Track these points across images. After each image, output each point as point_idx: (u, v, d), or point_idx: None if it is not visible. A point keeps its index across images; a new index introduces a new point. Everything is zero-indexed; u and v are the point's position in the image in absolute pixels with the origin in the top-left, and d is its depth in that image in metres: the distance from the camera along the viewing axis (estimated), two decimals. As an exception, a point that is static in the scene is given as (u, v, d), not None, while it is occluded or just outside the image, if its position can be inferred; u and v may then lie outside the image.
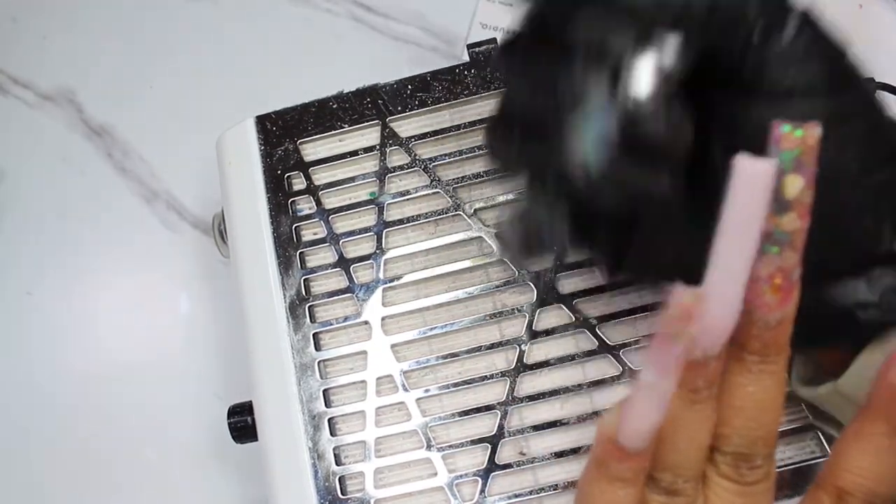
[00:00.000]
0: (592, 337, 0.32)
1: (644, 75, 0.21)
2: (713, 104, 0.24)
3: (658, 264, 0.27)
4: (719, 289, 0.20)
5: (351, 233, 0.35)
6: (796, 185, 0.19)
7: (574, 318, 0.32)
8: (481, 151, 0.35)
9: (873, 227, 0.24)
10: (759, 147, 0.19)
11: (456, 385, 0.32)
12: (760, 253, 0.20)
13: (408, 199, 0.35)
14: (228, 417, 0.34)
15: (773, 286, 0.21)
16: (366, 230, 0.35)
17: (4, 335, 0.46)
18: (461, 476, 0.32)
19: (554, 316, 0.33)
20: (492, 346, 0.33)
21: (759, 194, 0.19)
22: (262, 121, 0.36)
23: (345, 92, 0.36)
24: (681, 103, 0.22)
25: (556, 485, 0.31)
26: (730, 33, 0.23)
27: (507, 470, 0.32)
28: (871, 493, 0.22)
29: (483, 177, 0.34)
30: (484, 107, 0.36)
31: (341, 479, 0.32)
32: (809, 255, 0.21)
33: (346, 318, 0.34)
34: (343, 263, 0.34)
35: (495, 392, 0.32)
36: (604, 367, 0.32)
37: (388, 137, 0.35)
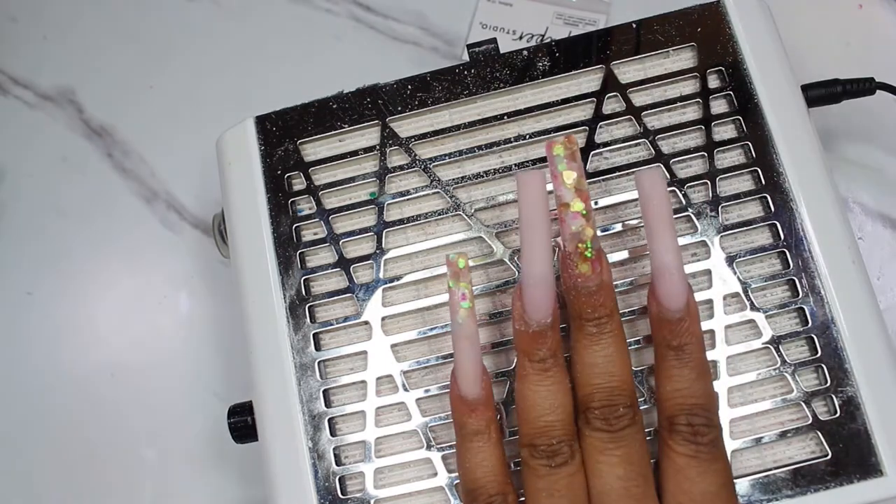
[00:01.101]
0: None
1: None
2: None
3: None
4: (531, 271, 0.27)
5: (351, 233, 0.35)
6: (571, 176, 0.27)
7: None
8: (481, 151, 0.35)
9: None
10: None
11: (456, 385, 0.32)
12: (565, 234, 0.28)
13: (408, 199, 0.35)
14: (228, 417, 0.34)
15: (583, 258, 0.27)
16: (366, 230, 0.35)
17: (4, 335, 0.46)
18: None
19: (554, 316, 0.33)
20: (492, 346, 0.33)
21: (537, 192, 0.28)
22: (262, 121, 0.36)
23: (345, 92, 0.36)
24: None
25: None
26: None
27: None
28: (684, 407, 0.28)
29: (483, 177, 0.34)
30: (484, 107, 0.36)
31: (341, 480, 0.32)
32: None
33: (346, 318, 0.34)
34: (343, 263, 0.34)
35: (495, 392, 0.32)
36: (604, 367, 0.32)
37: (388, 137, 0.35)
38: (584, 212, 0.27)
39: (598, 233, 0.31)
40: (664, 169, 0.33)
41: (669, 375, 0.28)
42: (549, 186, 0.29)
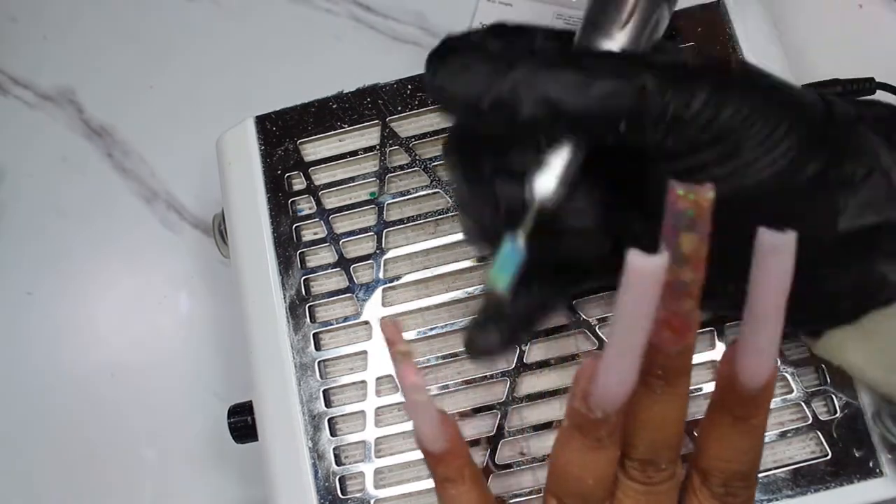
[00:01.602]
0: (592, 337, 0.32)
1: (543, 183, 0.24)
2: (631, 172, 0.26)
3: None
4: (615, 364, 0.22)
5: (351, 233, 0.35)
6: (691, 242, 0.21)
7: (574, 318, 0.32)
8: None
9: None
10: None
11: (456, 385, 0.32)
12: (662, 300, 0.22)
13: (408, 199, 0.35)
14: (228, 417, 0.34)
15: (672, 327, 0.23)
16: (366, 230, 0.35)
17: (4, 335, 0.46)
18: (461, 476, 0.32)
19: (554, 316, 0.33)
20: (492, 346, 0.33)
21: (650, 287, 0.20)
22: (262, 121, 0.36)
23: (345, 92, 0.36)
24: (586, 189, 0.25)
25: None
26: (636, 125, 0.23)
27: (507, 470, 0.32)
28: (726, 472, 0.25)
29: (483, 177, 0.34)
30: (484, 107, 0.35)
31: (341, 480, 0.32)
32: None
33: (346, 318, 0.34)
34: (343, 263, 0.34)
35: (495, 392, 0.32)
36: (604, 367, 0.32)
37: (389, 137, 0.35)
38: (692, 282, 0.22)
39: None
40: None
41: (718, 439, 0.25)
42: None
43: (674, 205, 0.21)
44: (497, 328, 0.26)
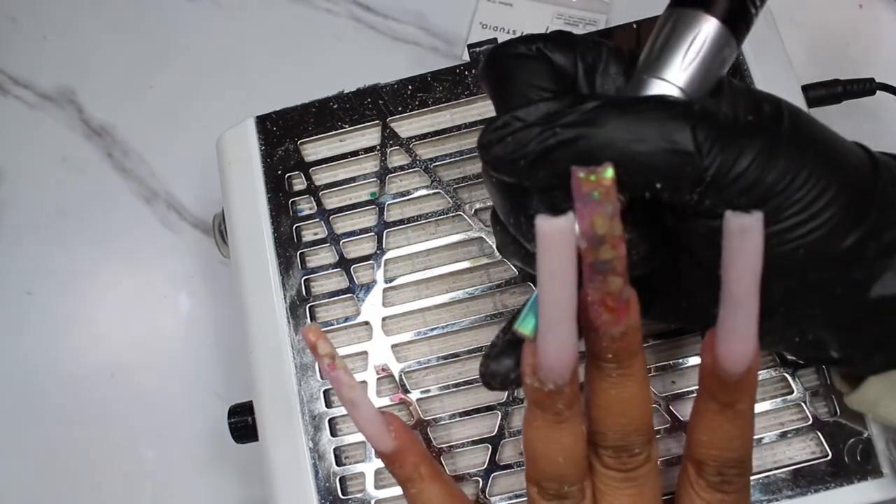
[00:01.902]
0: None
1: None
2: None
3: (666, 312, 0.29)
4: (550, 334, 0.23)
5: (351, 233, 0.35)
6: (604, 222, 0.21)
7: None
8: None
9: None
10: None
11: (456, 385, 0.32)
12: (590, 282, 0.23)
13: (408, 200, 0.35)
14: (228, 417, 0.34)
15: (608, 308, 0.23)
16: (366, 230, 0.35)
17: (4, 335, 0.46)
18: (462, 476, 0.32)
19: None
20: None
21: (562, 248, 0.21)
22: (262, 121, 0.36)
23: (345, 92, 0.36)
24: (631, 221, 0.24)
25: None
26: (675, 183, 0.23)
27: (508, 470, 0.32)
28: (719, 460, 0.25)
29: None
30: (484, 107, 0.35)
31: (342, 480, 0.32)
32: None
33: (346, 319, 0.34)
34: (343, 264, 0.34)
35: (496, 392, 0.32)
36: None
37: (389, 138, 0.35)
38: (614, 259, 0.22)
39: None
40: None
41: (707, 426, 0.25)
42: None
43: (578, 189, 0.21)
44: (514, 354, 0.25)
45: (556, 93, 0.25)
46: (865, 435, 0.30)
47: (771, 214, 0.22)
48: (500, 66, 0.26)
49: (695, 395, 0.31)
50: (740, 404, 0.24)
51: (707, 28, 0.24)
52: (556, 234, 0.21)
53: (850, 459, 0.30)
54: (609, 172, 0.21)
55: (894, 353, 0.26)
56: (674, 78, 0.24)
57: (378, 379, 0.33)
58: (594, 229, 0.22)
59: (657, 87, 0.24)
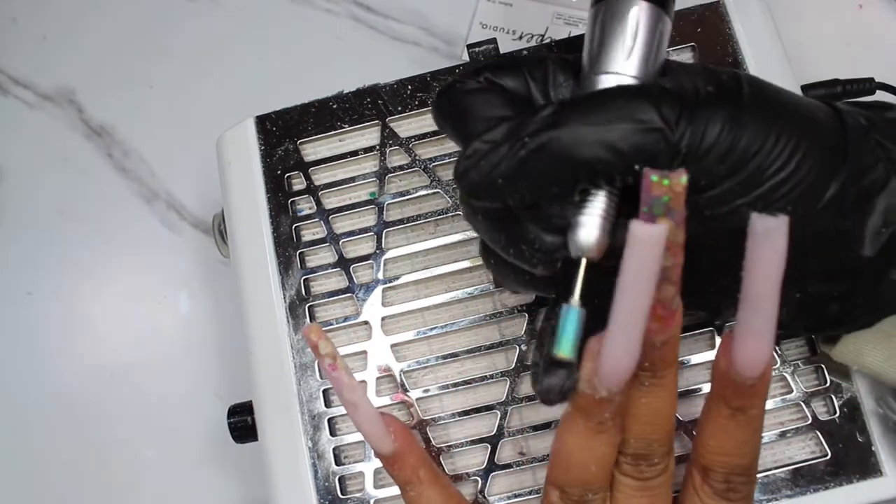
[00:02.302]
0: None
1: (584, 237, 0.24)
2: None
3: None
4: (620, 338, 0.22)
5: (351, 233, 0.35)
6: (668, 229, 0.21)
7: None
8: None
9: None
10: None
11: (456, 385, 0.32)
12: None
13: (408, 200, 0.35)
14: (228, 417, 0.34)
15: (656, 315, 0.23)
16: (366, 230, 0.35)
17: (4, 335, 0.46)
18: (461, 476, 0.32)
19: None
20: (492, 346, 0.33)
21: (653, 256, 0.21)
22: (262, 121, 0.36)
23: (345, 92, 0.36)
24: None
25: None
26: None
27: (507, 470, 0.32)
28: (727, 466, 0.25)
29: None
30: (484, 107, 0.35)
31: (341, 479, 0.32)
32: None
33: (346, 318, 0.34)
34: (343, 263, 0.34)
35: (495, 392, 0.32)
36: (604, 367, 0.32)
37: (388, 137, 0.35)
38: (672, 267, 0.22)
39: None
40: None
41: (717, 431, 0.25)
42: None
43: (648, 192, 0.21)
44: (560, 368, 0.25)
45: (515, 116, 0.25)
46: (865, 434, 0.30)
47: (753, 178, 0.23)
48: (454, 105, 0.26)
49: (697, 393, 0.31)
50: (752, 410, 0.24)
51: (636, 12, 0.24)
52: (650, 240, 0.20)
53: (850, 459, 0.30)
54: (683, 178, 0.21)
55: (878, 305, 0.26)
56: (622, 68, 0.24)
57: (378, 378, 0.33)
58: None
59: (609, 82, 0.24)
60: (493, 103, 0.25)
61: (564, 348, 0.23)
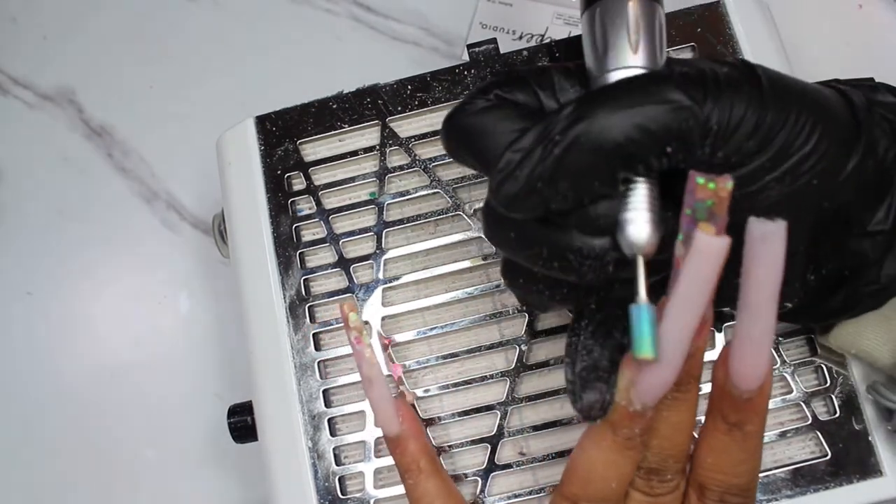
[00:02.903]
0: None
1: (636, 233, 0.23)
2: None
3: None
4: (668, 350, 0.21)
5: (351, 233, 0.35)
6: (709, 232, 0.20)
7: (574, 318, 0.32)
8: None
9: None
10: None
11: (456, 385, 0.32)
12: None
13: (408, 200, 0.35)
14: (228, 417, 0.34)
15: None
16: (366, 230, 0.35)
17: (4, 335, 0.46)
18: (461, 476, 0.32)
19: (554, 316, 0.33)
20: (492, 346, 0.33)
21: (713, 268, 0.20)
22: (262, 121, 0.36)
23: (345, 92, 0.36)
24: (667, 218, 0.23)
25: (557, 485, 0.31)
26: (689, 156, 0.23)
27: (507, 470, 0.32)
28: (723, 485, 0.25)
29: (483, 177, 0.34)
30: (484, 107, 0.35)
31: (341, 479, 0.32)
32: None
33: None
34: (343, 263, 0.34)
35: (495, 392, 0.32)
36: (604, 367, 0.32)
37: (388, 137, 0.35)
38: None
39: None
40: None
41: (715, 448, 0.24)
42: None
43: (693, 194, 0.21)
44: (599, 378, 0.25)
45: (536, 126, 0.25)
46: (865, 434, 0.30)
47: (781, 153, 0.23)
48: (468, 127, 0.25)
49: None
50: (749, 426, 0.24)
51: (632, 6, 0.25)
52: (714, 252, 0.20)
53: (850, 459, 0.30)
54: (730, 184, 0.21)
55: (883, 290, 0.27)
56: (632, 62, 0.24)
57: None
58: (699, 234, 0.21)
59: (621, 77, 0.24)
60: (510, 117, 0.25)
61: (647, 349, 0.22)
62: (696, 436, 0.25)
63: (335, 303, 0.34)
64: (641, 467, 0.25)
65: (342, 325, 0.34)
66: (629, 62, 0.24)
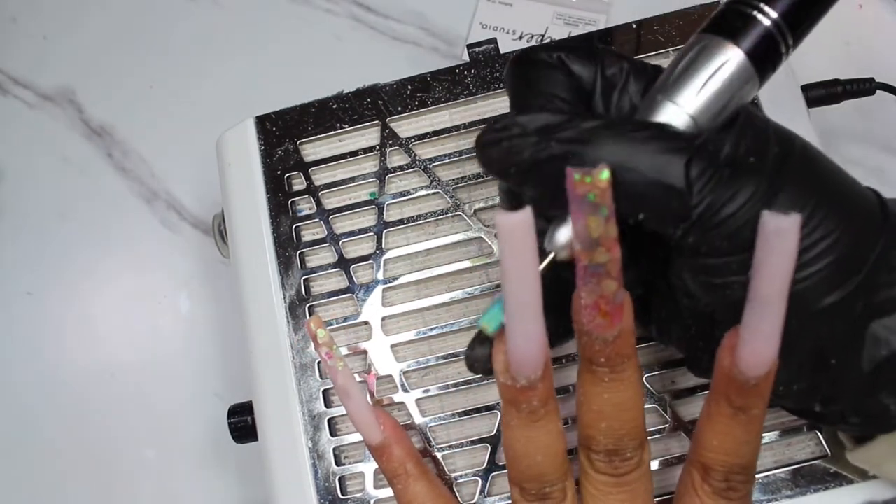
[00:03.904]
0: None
1: (561, 236, 0.24)
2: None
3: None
4: (516, 326, 0.23)
5: (351, 233, 0.35)
6: (599, 225, 0.21)
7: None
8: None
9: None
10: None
11: (456, 385, 0.32)
12: (584, 285, 0.23)
13: (408, 200, 0.35)
14: (228, 417, 0.34)
15: (601, 311, 0.23)
16: (366, 230, 0.35)
17: (4, 335, 0.46)
18: (461, 476, 0.32)
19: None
20: (492, 347, 0.33)
21: (522, 241, 0.21)
22: (262, 121, 0.36)
23: (345, 92, 0.36)
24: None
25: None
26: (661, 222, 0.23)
27: (507, 470, 0.32)
28: (727, 465, 0.25)
29: (483, 177, 0.34)
30: (484, 107, 0.35)
31: (341, 480, 0.32)
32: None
33: (346, 318, 0.34)
34: (343, 263, 0.34)
35: (495, 392, 0.32)
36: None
37: (388, 138, 0.35)
38: (609, 262, 0.22)
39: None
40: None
41: (718, 430, 0.25)
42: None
43: (574, 191, 0.21)
44: (487, 345, 0.26)
45: (571, 103, 0.25)
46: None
47: (749, 260, 0.22)
48: (522, 71, 0.26)
49: (695, 393, 0.31)
50: (754, 409, 0.24)
51: (731, 59, 0.23)
52: (515, 227, 0.21)
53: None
54: (605, 175, 0.21)
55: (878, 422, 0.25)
56: (685, 103, 0.23)
57: (378, 379, 0.33)
58: (589, 232, 0.21)
59: (668, 110, 0.24)
60: (556, 83, 0.25)
61: (490, 322, 0.24)
62: (700, 419, 0.26)
63: (335, 303, 0.34)
64: (600, 450, 0.25)
65: (342, 325, 0.34)
66: (681, 101, 0.23)
